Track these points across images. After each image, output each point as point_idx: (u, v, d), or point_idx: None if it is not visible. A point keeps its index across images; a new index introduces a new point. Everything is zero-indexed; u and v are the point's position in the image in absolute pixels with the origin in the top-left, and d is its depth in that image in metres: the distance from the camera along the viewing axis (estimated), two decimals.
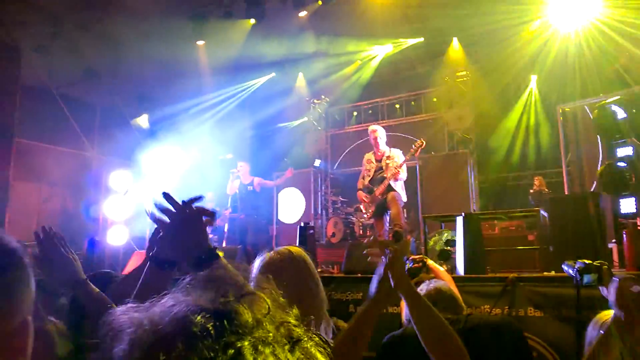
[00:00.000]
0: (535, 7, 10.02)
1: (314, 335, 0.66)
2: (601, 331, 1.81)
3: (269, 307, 0.63)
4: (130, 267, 6.89)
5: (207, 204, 9.49)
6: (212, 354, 0.54)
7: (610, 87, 8.46)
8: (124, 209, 9.98)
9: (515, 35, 11.05)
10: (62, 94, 11.31)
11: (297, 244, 5.00)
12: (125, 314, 0.63)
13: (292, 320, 0.64)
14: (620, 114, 5.16)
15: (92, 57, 11.92)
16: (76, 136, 11.38)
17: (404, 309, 3.52)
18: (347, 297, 4.53)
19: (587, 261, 2.44)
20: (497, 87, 11.85)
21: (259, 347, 0.56)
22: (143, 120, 12.95)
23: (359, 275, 4.79)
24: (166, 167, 10.96)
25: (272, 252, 1.80)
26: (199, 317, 0.58)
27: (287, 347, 0.59)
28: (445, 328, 1.58)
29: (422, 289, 2.27)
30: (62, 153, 11.16)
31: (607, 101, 5.56)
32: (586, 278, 2.49)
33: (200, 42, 12.45)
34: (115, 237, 9.89)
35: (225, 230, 9.30)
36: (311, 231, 5.14)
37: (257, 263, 1.75)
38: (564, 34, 10.23)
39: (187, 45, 12.12)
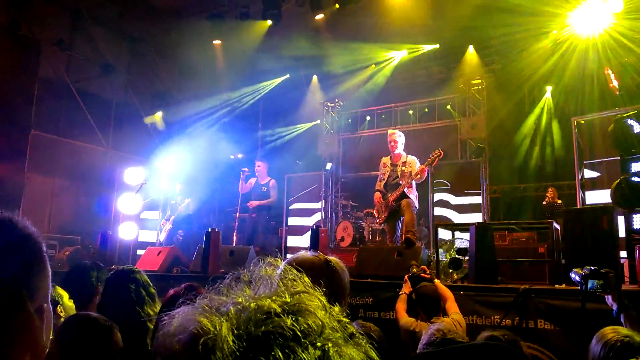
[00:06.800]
0: (553, 18, 10.00)
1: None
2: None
3: (323, 304, 0.58)
4: (142, 262, 6.94)
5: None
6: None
7: (627, 100, 8.41)
8: (136, 205, 10.05)
9: (532, 46, 11.02)
10: (79, 88, 11.44)
11: (309, 247, 5.03)
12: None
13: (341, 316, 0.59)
14: (637, 127, 5.12)
15: (110, 53, 12.07)
16: (91, 131, 11.49)
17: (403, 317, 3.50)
18: (357, 302, 4.54)
19: (594, 267, 2.45)
20: (512, 97, 11.80)
21: (337, 347, 0.52)
22: (157, 118, 13.08)
23: (369, 280, 4.80)
24: (178, 164, 11.04)
25: (306, 253, 1.69)
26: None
27: (350, 344, 0.55)
28: None
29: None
30: (77, 147, 11.28)
31: (623, 115, 5.52)
32: (590, 283, 2.49)
33: (217, 42, 12.55)
34: (127, 232, 9.96)
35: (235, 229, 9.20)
36: (323, 234, 5.16)
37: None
38: (581, 46, 10.19)
39: (203, 44, 12.22)
